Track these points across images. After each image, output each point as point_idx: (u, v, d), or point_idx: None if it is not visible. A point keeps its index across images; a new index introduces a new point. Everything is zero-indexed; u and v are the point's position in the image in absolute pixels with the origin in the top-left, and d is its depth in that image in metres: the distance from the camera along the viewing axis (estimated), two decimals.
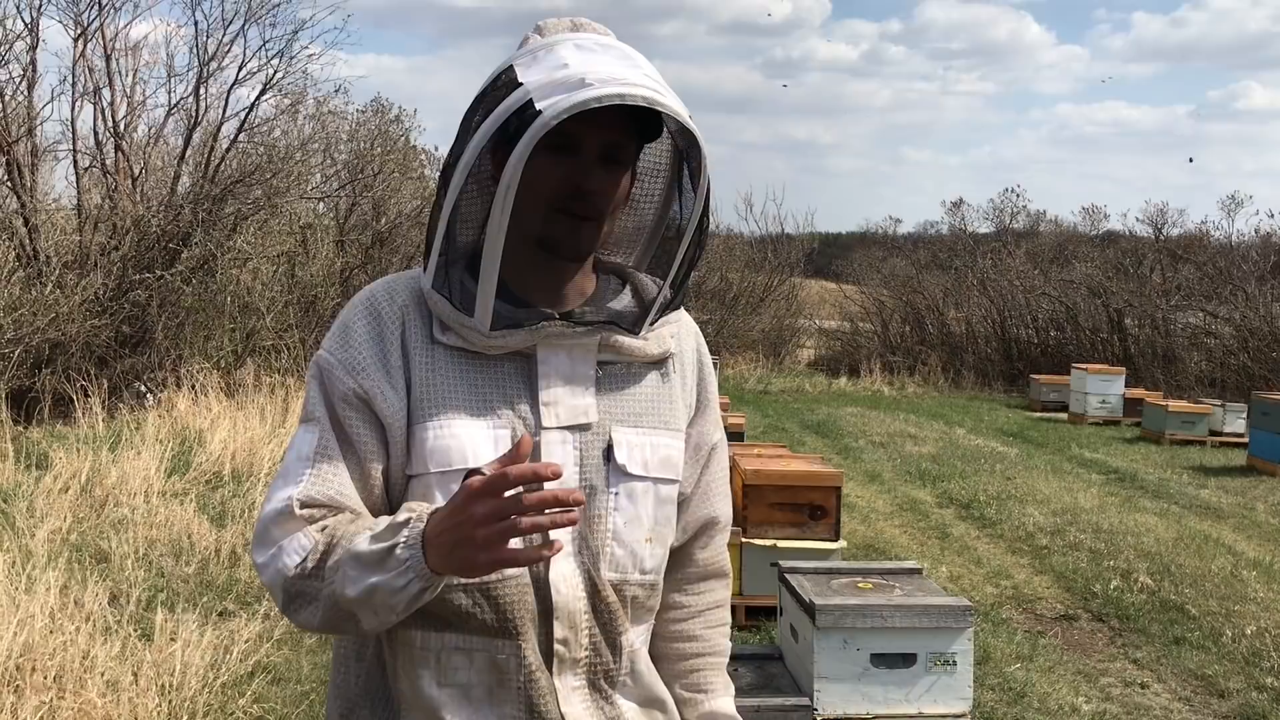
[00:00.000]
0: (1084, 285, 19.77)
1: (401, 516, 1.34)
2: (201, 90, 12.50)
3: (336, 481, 1.44)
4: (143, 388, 11.01)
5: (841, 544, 5.54)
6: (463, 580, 1.41)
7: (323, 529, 1.41)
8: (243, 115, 12.69)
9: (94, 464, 7.40)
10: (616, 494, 1.49)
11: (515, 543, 1.30)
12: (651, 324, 1.54)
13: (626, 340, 1.51)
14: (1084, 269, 20.45)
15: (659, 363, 1.56)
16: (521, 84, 1.40)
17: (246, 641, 4.48)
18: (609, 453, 1.49)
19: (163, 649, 4.18)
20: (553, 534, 1.43)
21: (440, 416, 1.44)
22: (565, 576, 1.46)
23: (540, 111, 1.36)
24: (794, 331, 22.22)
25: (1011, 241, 22.92)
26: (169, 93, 12.68)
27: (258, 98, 12.73)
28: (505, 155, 1.40)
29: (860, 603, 3.44)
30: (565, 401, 1.48)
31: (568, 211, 1.44)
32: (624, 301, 1.55)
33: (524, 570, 1.43)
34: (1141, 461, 11.32)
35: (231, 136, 12.62)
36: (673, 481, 1.56)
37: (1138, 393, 14.55)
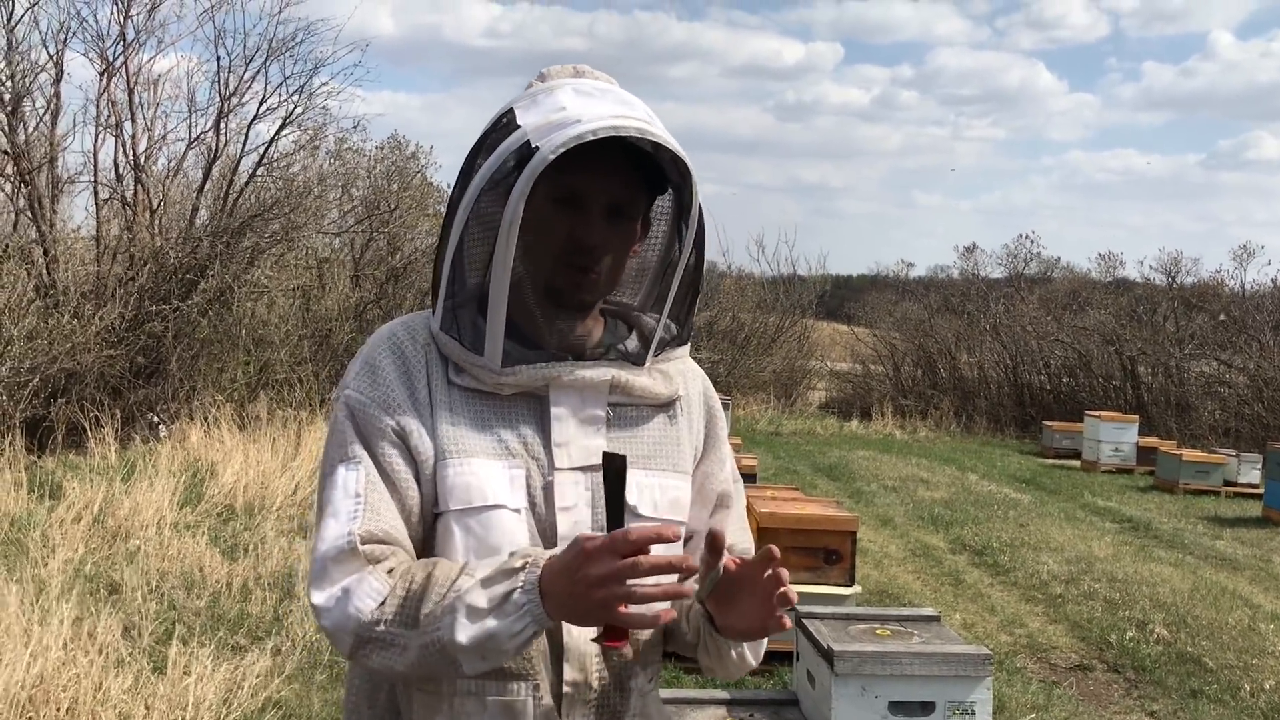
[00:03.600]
0: (1097, 332, 19.74)
1: (517, 562, 1.35)
2: (222, 125, 12.62)
3: (389, 516, 1.45)
4: (156, 419, 11.03)
5: (856, 589, 5.50)
6: None
7: (390, 571, 1.40)
8: (262, 150, 12.81)
9: (107, 494, 7.41)
10: None
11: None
12: (655, 356, 1.57)
13: (636, 382, 1.54)
14: (1097, 316, 20.43)
15: (666, 406, 1.59)
16: (520, 126, 1.46)
17: (258, 676, 4.46)
18: None
19: (176, 682, 4.16)
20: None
21: (460, 455, 1.46)
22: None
23: (538, 149, 1.41)
24: (805, 373, 22.19)
25: (1025, 287, 22.91)
26: (189, 127, 12.77)
27: (277, 133, 12.84)
28: (507, 196, 1.44)
29: (879, 650, 3.41)
30: (577, 442, 1.50)
31: (570, 264, 1.49)
32: (630, 343, 1.59)
33: None
34: (1155, 510, 11.25)
35: (250, 171, 12.72)
36: (680, 524, 1.57)
37: (1151, 441, 14.47)
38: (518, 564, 1.35)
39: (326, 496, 1.47)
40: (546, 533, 1.47)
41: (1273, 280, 20.52)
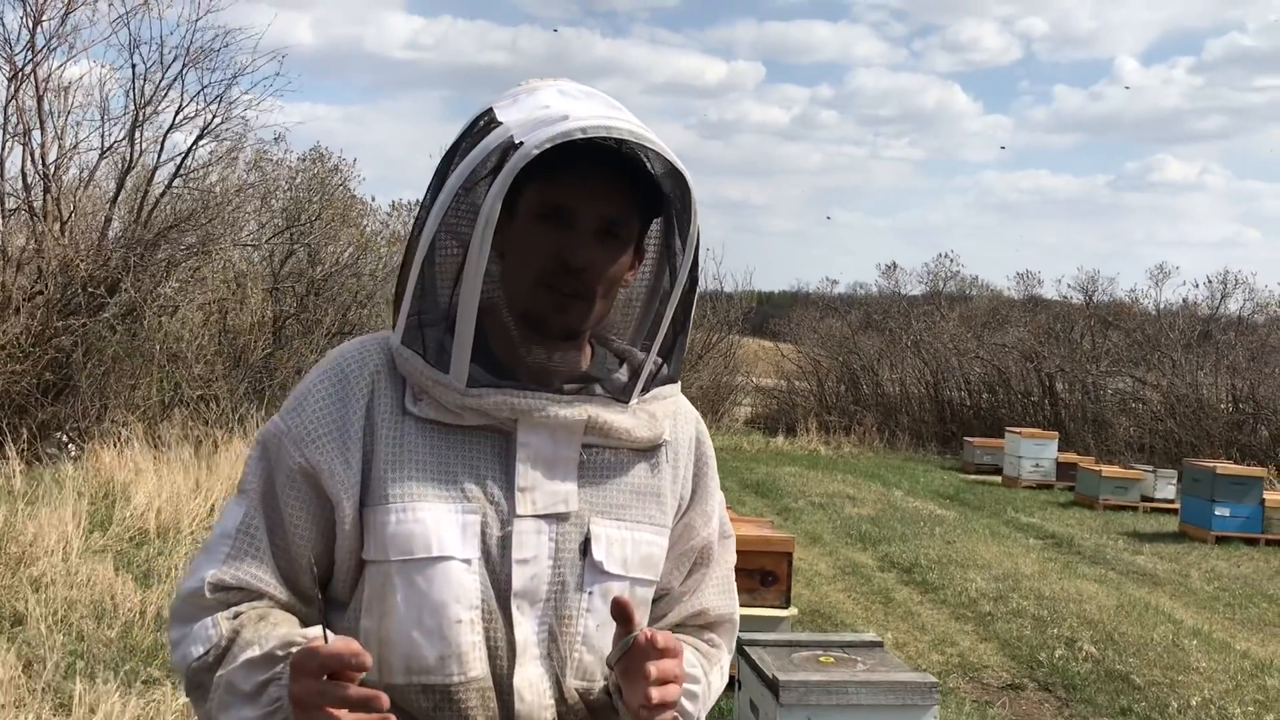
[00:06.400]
0: (1016, 349, 20.10)
1: (282, 650, 1.25)
2: (136, 134, 12.23)
3: (255, 564, 1.34)
4: (64, 438, 10.61)
5: (793, 611, 5.43)
6: (421, 680, 1.32)
7: (234, 616, 1.32)
8: (178, 160, 12.45)
9: (9, 518, 7.06)
10: (591, 594, 1.37)
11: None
12: (643, 393, 1.42)
13: (616, 424, 1.39)
14: (1016, 333, 20.81)
15: (649, 451, 1.44)
16: (502, 123, 1.33)
17: (173, 713, 4.23)
18: (586, 547, 1.37)
19: None
20: (519, 639, 1.34)
21: (404, 498, 1.32)
22: (531, 683, 1.35)
23: (521, 144, 1.29)
24: (731, 389, 22.25)
25: (945, 305, 23.27)
26: (102, 135, 12.35)
27: (194, 143, 12.50)
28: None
29: (825, 679, 3.34)
30: (543, 487, 1.36)
31: (553, 287, 1.35)
32: (619, 376, 1.44)
33: (486, 675, 1.33)
34: (1077, 526, 11.42)
35: (166, 182, 12.35)
36: (651, 583, 1.44)
37: (1070, 457, 14.73)
38: (280, 651, 1.25)
39: (215, 525, 1.40)
40: (501, 587, 1.34)
41: (1184, 300, 21.10)
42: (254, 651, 1.26)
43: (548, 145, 1.27)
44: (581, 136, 1.28)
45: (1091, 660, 6.42)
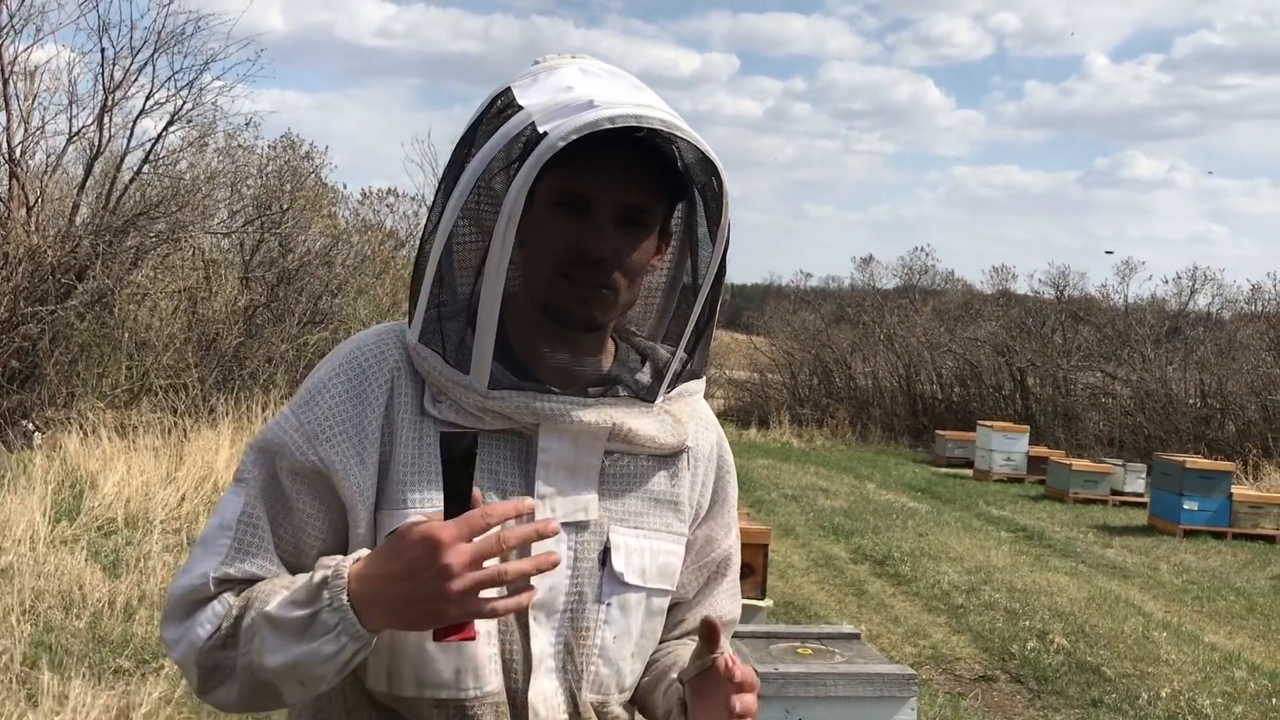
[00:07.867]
0: (988, 343, 20.21)
1: (318, 575, 1.19)
2: (105, 119, 12.06)
3: (261, 558, 1.29)
4: (30, 426, 10.47)
5: (769, 603, 5.43)
6: (434, 694, 1.28)
7: (238, 593, 1.27)
8: (148, 146, 12.30)
9: None
10: (609, 605, 1.34)
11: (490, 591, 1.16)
12: (668, 391, 1.38)
13: (641, 431, 1.34)
14: (989, 327, 20.92)
15: (670, 458, 1.40)
16: (522, 107, 1.27)
17: (144, 705, 4.18)
18: (605, 557, 1.34)
19: (51, 714, 3.87)
20: (535, 652, 1.31)
21: (423, 504, 1.28)
22: (546, 697, 1.32)
23: (545, 134, 1.23)
24: (705, 381, 22.28)
25: (918, 298, 23.36)
26: (70, 120, 12.17)
27: (164, 129, 12.35)
28: (508, 188, 1.25)
29: (804, 671, 3.33)
30: (564, 495, 1.32)
31: (573, 278, 1.30)
32: (643, 375, 1.40)
33: (501, 689, 1.30)
34: (1048, 519, 11.50)
35: (135, 168, 12.20)
36: (667, 593, 1.41)
37: (1041, 450, 14.84)
38: (319, 576, 1.19)
39: (210, 518, 1.33)
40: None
41: (1152, 295, 21.28)
42: (289, 589, 1.20)
43: (574, 137, 1.22)
44: (610, 126, 1.23)
45: (1063, 652, 6.46)
